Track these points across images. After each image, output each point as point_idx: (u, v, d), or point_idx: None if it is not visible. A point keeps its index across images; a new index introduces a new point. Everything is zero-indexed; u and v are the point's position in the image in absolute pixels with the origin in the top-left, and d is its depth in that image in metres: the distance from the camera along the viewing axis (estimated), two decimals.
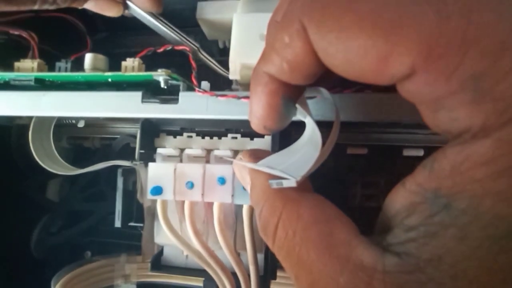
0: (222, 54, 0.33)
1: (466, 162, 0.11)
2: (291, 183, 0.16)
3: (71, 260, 0.34)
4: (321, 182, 0.17)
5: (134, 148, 0.35)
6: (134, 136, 0.35)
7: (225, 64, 0.26)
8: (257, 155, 0.19)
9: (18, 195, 0.37)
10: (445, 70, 0.11)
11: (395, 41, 0.11)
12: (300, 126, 0.19)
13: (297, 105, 0.17)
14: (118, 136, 0.36)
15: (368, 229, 0.15)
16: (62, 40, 0.33)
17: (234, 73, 0.24)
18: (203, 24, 0.28)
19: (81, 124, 0.34)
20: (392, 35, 0.11)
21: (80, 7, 0.25)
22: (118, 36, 0.36)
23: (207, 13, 0.27)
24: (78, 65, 0.28)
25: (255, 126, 0.18)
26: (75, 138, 0.38)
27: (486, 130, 0.11)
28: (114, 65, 0.27)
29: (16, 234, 0.37)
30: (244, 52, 0.24)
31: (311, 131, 0.17)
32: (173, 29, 0.27)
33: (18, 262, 0.36)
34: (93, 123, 0.36)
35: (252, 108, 0.17)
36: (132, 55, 0.26)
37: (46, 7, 0.23)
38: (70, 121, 0.35)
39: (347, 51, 0.12)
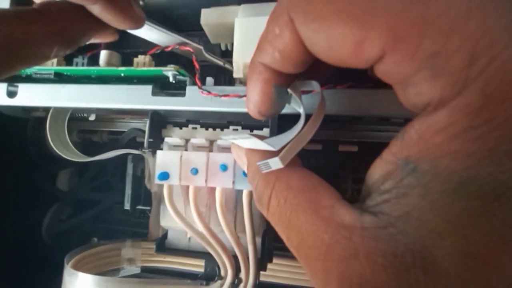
0: (224, 56, 0.34)
1: (428, 130, 0.13)
2: (278, 165, 0.17)
3: (79, 245, 0.36)
4: None
5: (140, 143, 0.38)
6: (141, 130, 0.38)
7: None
8: None
9: (30, 184, 0.39)
10: (409, 50, 0.13)
11: (368, 28, 0.13)
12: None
13: (289, 90, 0.19)
14: (125, 130, 0.38)
15: None
16: None
17: (237, 72, 0.26)
18: (207, 29, 0.30)
19: (92, 118, 0.36)
20: (365, 22, 0.13)
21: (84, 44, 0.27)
22: (128, 37, 0.39)
23: (211, 18, 0.29)
24: (93, 62, 0.30)
25: (251, 111, 0.19)
26: (85, 131, 0.40)
27: (443, 101, 0.13)
28: (125, 64, 0.29)
29: (28, 220, 0.38)
30: (246, 53, 0.25)
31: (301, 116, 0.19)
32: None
33: (30, 246, 0.38)
34: (102, 118, 0.39)
35: (249, 95, 0.18)
36: (141, 54, 0.28)
37: (58, 56, 0.25)
38: (81, 115, 0.37)
39: (329, 38, 0.14)
